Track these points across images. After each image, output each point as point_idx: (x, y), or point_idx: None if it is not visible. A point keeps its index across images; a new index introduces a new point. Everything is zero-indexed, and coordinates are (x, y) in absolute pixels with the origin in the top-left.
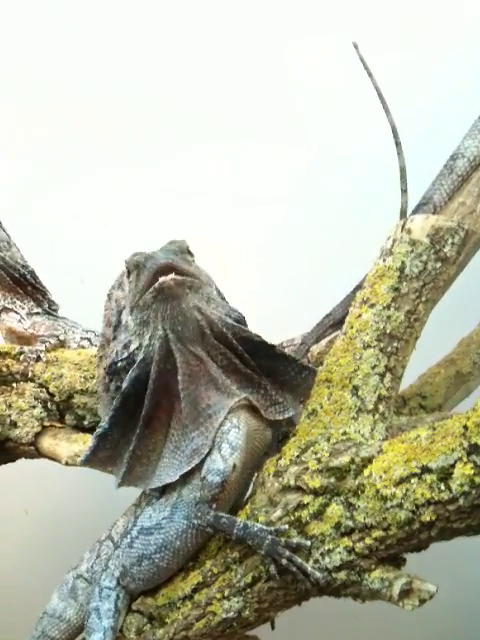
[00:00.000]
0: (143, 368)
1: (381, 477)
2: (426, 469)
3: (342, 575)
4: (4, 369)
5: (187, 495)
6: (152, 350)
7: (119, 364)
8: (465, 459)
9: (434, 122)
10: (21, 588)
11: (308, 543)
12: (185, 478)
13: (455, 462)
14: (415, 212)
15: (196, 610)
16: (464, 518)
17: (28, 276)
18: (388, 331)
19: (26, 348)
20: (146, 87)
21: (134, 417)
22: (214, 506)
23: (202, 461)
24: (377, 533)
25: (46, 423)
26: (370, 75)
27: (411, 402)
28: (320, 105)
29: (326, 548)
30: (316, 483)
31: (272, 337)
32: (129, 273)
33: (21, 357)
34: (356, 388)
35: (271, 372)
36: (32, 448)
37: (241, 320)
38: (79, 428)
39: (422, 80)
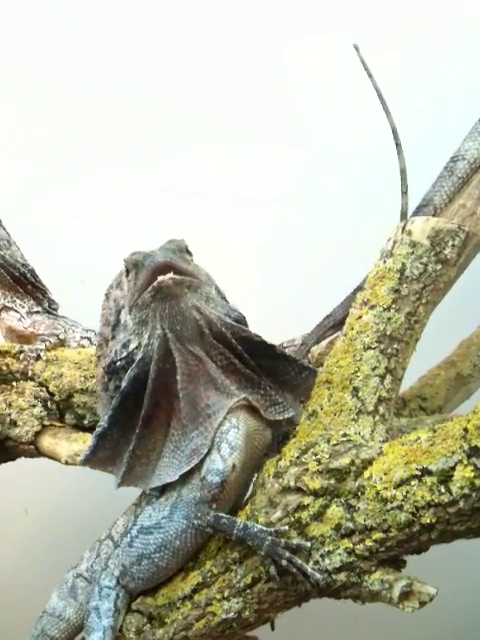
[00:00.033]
0: (142, 367)
1: (381, 479)
2: (426, 471)
3: (342, 577)
4: (4, 368)
5: (186, 495)
6: (151, 349)
7: (118, 363)
8: (465, 462)
9: (434, 123)
10: (21, 587)
11: (308, 544)
12: (185, 478)
13: (455, 464)
14: (415, 214)
15: (196, 610)
16: (464, 521)
17: (28, 275)
18: (388, 333)
19: (26, 347)
20: (146, 87)
21: (133, 417)
22: (214, 506)
23: (201, 461)
24: (377, 535)
25: (46, 422)
26: (371, 76)
27: (411, 404)
28: (320, 105)
29: (326, 549)
30: (316, 484)
31: (272, 337)
32: (128, 272)
33: (21, 356)
34: (356, 389)
35: (271, 372)
36: (32, 447)
37: (241, 320)
38: (79, 427)
39: (422, 80)
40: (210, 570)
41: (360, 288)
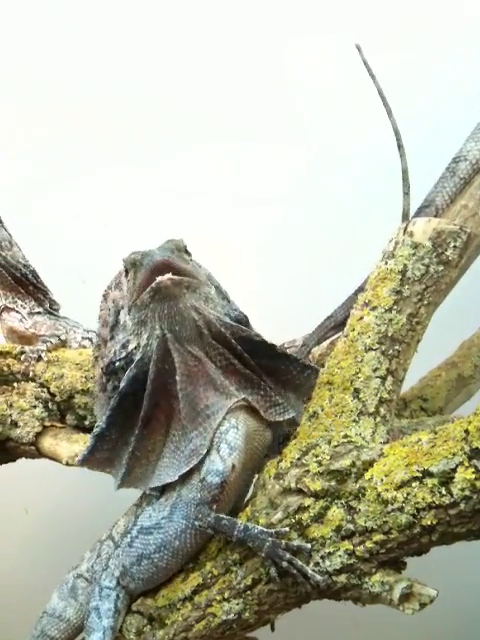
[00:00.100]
0: (141, 368)
1: (382, 480)
2: (427, 473)
3: (342, 578)
4: (5, 369)
5: (186, 495)
6: (150, 350)
7: (117, 364)
8: (466, 463)
9: (435, 123)
10: (21, 588)
11: (308, 546)
12: (184, 478)
13: (456, 466)
14: (417, 215)
15: (196, 611)
16: (465, 522)
17: (29, 275)
18: (390, 334)
19: (27, 348)
20: (146, 87)
21: (132, 418)
22: (214, 507)
23: (201, 462)
24: (378, 537)
25: (47, 423)
26: (373, 77)
27: (412, 405)
28: (320, 105)
29: (327, 551)
30: (317, 486)
31: (273, 338)
32: (127, 272)
33: (22, 357)
34: (357, 391)
35: (273, 372)
36: (33, 448)
37: (241, 319)
38: (80, 428)
39: (422, 80)
40: (210, 571)
41: (361, 289)
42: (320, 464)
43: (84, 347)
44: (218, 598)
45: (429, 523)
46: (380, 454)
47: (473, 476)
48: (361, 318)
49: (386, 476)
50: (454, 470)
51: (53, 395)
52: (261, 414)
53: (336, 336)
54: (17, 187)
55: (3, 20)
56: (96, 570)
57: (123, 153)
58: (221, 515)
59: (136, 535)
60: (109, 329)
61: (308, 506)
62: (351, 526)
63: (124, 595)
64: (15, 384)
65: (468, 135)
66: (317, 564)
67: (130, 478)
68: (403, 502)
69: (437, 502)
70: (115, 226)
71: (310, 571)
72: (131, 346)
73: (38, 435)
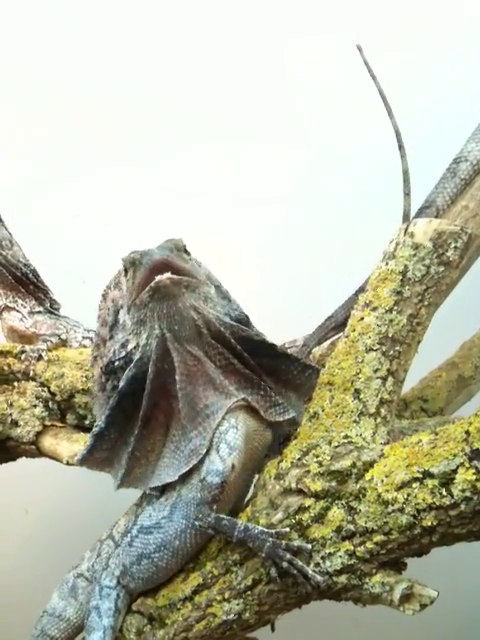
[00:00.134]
0: (140, 367)
1: (382, 481)
2: (428, 474)
3: (343, 579)
4: (5, 368)
5: (186, 495)
6: (149, 349)
7: (116, 363)
8: (467, 464)
9: (435, 123)
10: (21, 587)
11: (309, 546)
12: (184, 478)
13: (457, 467)
14: (418, 215)
15: (196, 612)
16: (465, 523)
17: (30, 275)
18: (390, 334)
19: (28, 347)
20: (146, 87)
21: (131, 418)
22: (215, 507)
23: (201, 461)
24: (378, 537)
25: (47, 422)
26: (373, 78)
27: (412, 405)
28: (320, 105)
29: (327, 552)
30: (317, 486)
31: (273, 338)
32: (126, 271)
33: (22, 356)
34: (358, 391)
35: (273, 371)
36: (33, 447)
37: (242, 319)
38: (80, 427)
39: (423, 81)
40: (211, 571)
41: (362, 290)
42: (321, 465)
43: (84, 346)
44: (218, 598)
45: (429, 524)
46: (381, 455)
47: (474, 477)
48: (362, 319)
49: (387, 477)
50: (455, 471)
51: (53, 394)
52: (261, 414)
53: (337, 336)
54: (17, 187)
55: (3, 20)
56: (96, 569)
57: (123, 153)
58: (221, 515)
59: (136, 534)
60: (108, 329)
61: (308, 506)
62: (351, 527)
63: (124, 594)
64: (15, 383)
65: (469, 136)
66: (317, 565)
67: (129, 478)
68: (404, 503)
69: (438, 503)
70: (115, 226)
71: (310, 571)
72: (130, 346)
73: (38, 434)
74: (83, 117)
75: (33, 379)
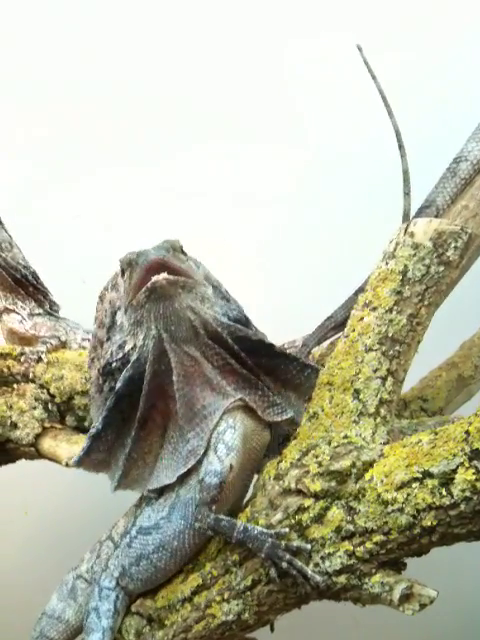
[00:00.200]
0: (137, 368)
1: (382, 481)
2: (427, 474)
3: (342, 579)
4: (5, 370)
5: (184, 496)
6: (146, 350)
7: (113, 364)
8: (467, 464)
9: (435, 123)
10: (21, 589)
11: (308, 547)
12: (182, 479)
13: (457, 467)
14: (418, 215)
15: (195, 612)
16: (465, 523)
17: (30, 277)
18: (390, 334)
19: (27, 349)
20: (146, 87)
21: (128, 419)
22: (214, 508)
23: (199, 462)
24: (378, 537)
25: (47, 424)
26: (374, 78)
27: (412, 405)
28: (320, 105)
29: (326, 552)
30: (317, 486)
31: (272, 338)
32: (123, 272)
33: (22, 358)
34: (358, 391)
35: (272, 371)
36: (32, 449)
37: (240, 319)
38: (79, 429)
39: (423, 81)
40: (210, 572)
41: (362, 289)
42: (320, 465)
43: (84, 348)
44: (218, 599)
45: (429, 524)
46: (380, 455)
47: (473, 477)
48: (361, 319)
49: (386, 477)
50: (454, 471)
51: (53, 396)
52: (259, 414)
53: (336, 336)
54: (17, 187)
55: (3, 20)
56: (96, 571)
57: (123, 153)
58: (221, 516)
59: (135, 535)
60: (105, 330)
61: (308, 507)
62: (351, 527)
63: (123, 596)
64: (15, 385)
65: (469, 135)
66: (317, 565)
67: (127, 480)
68: (403, 503)
69: (437, 503)
70: (115, 226)
71: (310, 572)
72: (128, 347)
73: (38, 436)
74: (83, 117)
75: (33, 381)
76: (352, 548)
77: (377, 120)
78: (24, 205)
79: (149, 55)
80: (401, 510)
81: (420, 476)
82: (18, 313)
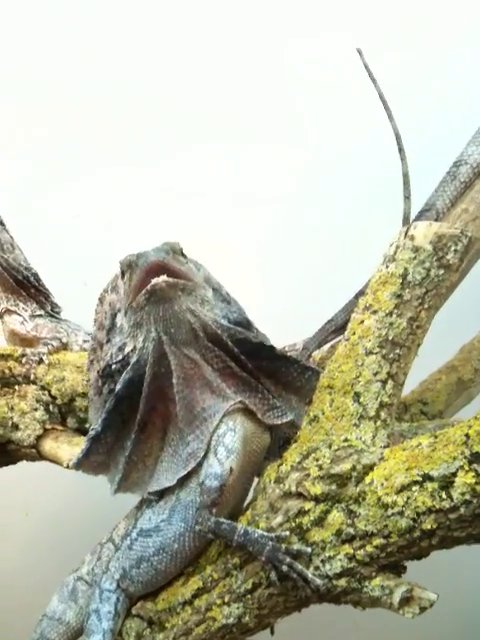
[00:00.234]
0: (137, 370)
1: (382, 484)
2: (427, 477)
3: (342, 582)
4: (6, 371)
5: (184, 498)
6: (146, 352)
7: (113, 366)
8: (467, 468)
9: (435, 125)
10: (21, 590)
11: (309, 550)
12: (182, 481)
13: (457, 470)
14: (418, 218)
15: (196, 615)
16: (465, 527)
17: (31, 278)
18: (390, 338)
19: (28, 350)
20: (146, 87)
21: (128, 422)
22: (214, 511)
23: (199, 464)
24: (378, 541)
25: (48, 426)
26: (374, 81)
27: (412, 408)
28: (320, 105)
29: (327, 555)
30: (317, 490)
31: (272, 341)
32: (123, 274)
33: (23, 359)
34: (358, 394)
35: (272, 374)
36: (33, 451)
37: (241, 322)
38: (81, 431)
39: (423, 83)
40: (210, 575)
41: (362, 293)
42: (320, 468)
43: (85, 350)
44: (218, 602)
45: (429, 527)
46: (380, 458)
47: (473, 480)
48: (362, 322)
49: (386, 480)
50: (454, 474)
51: (54, 398)
52: (259, 417)
53: (337, 340)
54: (17, 187)
55: (3, 20)
56: (96, 573)
57: (123, 153)
58: (221, 519)
59: (135, 538)
60: (105, 332)
61: (308, 510)
62: (351, 530)
63: (124, 598)
64: (16, 387)
65: (469, 139)
66: (317, 568)
67: (127, 483)
68: (403, 506)
69: (437, 506)
70: (115, 226)
71: (310, 575)
72: (128, 349)
73: (39, 438)
74: (83, 117)
75: (34, 382)
76: (352, 551)
77: (377, 120)
78: (24, 205)
79: (149, 55)
80: (401, 513)
81: (420, 479)
82: (20, 314)
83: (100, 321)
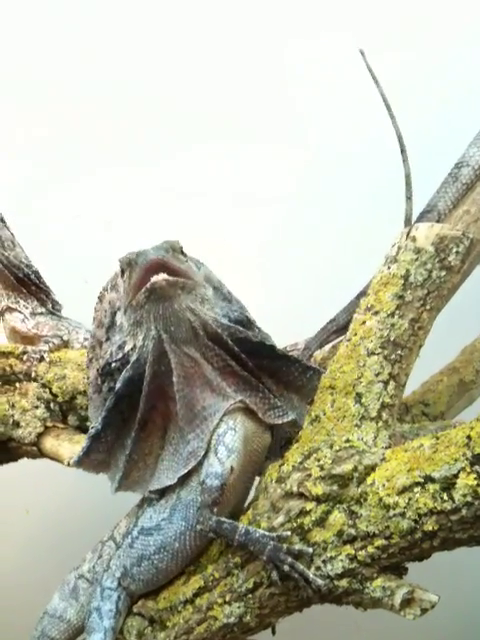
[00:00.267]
0: (137, 369)
1: (384, 485)
2: (429, 478)
3: (344, 583)
4: (7, 369)
5: (185, 497)
6: (146, 351)
7: (113, 365)
8: (468, 469)
9: (437, 127)
10: (22, 588)
11: (310, 550)
12: (183, 480)
13: (458, 472)
14: (419, 219)
15: (197, 614)
16: (466, 528)
17: (32, 276)
18: (392, 339)
19: (30, 348)
20: (146, 87)
21: (128, 421)
22: (215, 510)
23: (199, 463)
24: (379, 542)
25: (49, 423)
26: (376, 82)
27: (414, 409)
28: (320, 105)
29: (328, 555)
30: (319, 490)
31: (274, 341)
32: (122, 272)
33: (24, 357)
34: (359, 395)
35: (274, 373)
36: (34, 448)
37: (242, 320)
38: (81, 429)
39: (425, 84)
40: (212, 574)
41: (363, 293)
42: (322, 468)
43: (86, 348)
44: (219, 601)
45: (431, 529)
46: (382, 459)
47: (475, 482)
48: (364, 322)
49: (388, 481)
50: (456, 476)
51: (55, 396)
52: (259, 416)
53: (338, 340)
54: (17, 187)
55: (3, 20)
56: (98, 571)
57: (123, 153)
58: (222, 518)
59: (136, 536)
60: (105, 330)
61: (310, 510)
62: (353, 531)
63: (125, 596)
64: (17, 384)
65: (471, 140)
66: (318, 568)
67: (127, 481)
68: (405, 507)
69: (439, 508)
70: (115, 226)
71: (311, 575)
72: (127, 347)
73: (40, 435)
74: (83, 117)
75: (35, 380)
76: (354, 552)
77: (377, 120)
78: (24, 205)
79: (149, 55)
80: (403, 514)
81: (422, 480)
82: (20, 312)
83: (100, 319)
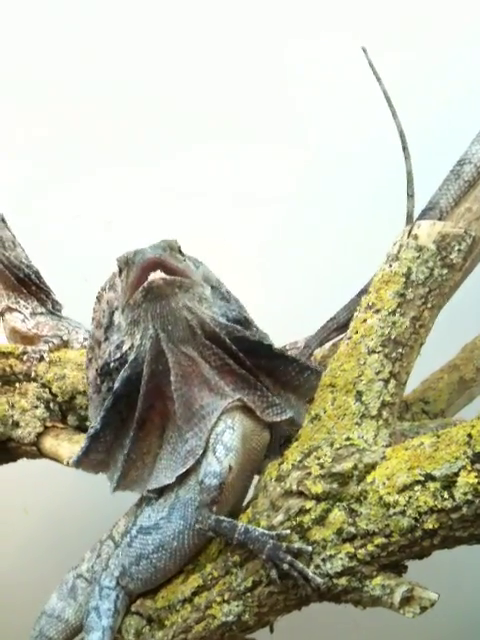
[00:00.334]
0: (135, 368)
1: (384, 484)
2: (429, 477)
3: (343, 581)
4: (7, 369)
5: (183, 496)
6: (143, 350)
7: (111, 365)
8: (469, 467)
9: (438, 124)
10: (21, 588)
11: (309, 548)
12: (181, 479)
13: (459, 470)
14: (421, 217)
15: (196, 613)
16: (467, 527)
17: (32, 276)
18: (393, 337)
19: (29, 348)
20: (146, 87)
21: (126, 420)
22: (214, 509)
23: (197, 462)
24: (379, 540)
25: (48, 423)
26: (379, 80)
27: (414, 407)
28: (320, 105)
29: (328, 554)
30: (318, 488)
31: (273, 340)
32: (120, 272)
33: (24, 357)
34: (360, 393)
35: (271, 372)
36: (34, 448)
37: (240, 320)
38: (81, 429)
39: (425, 81)
40: (210, 573)
41: (364, 291)
42: (322, 466)
43: (86, 348)
44: (218, 600)
45: (431, 527)
46: (382, 457)
47: (476, 480)
48: (364, 320)
49: (388, 479)
50: (457, 474)
51: (55, 396)
52: (257, 415)
53: (339, 338)
54: (17, 187)
55: (3, 20)
56: (96, 570)
57: (123, 153)
58: (222, 517)
59: (135, 535)
60: (103, 330)
61: (309, 509)
62: (352, 529)
63: (124, 595)
64: (17, 384)
65: (473, 138)
66: (318, 567)
67: (126, 481)
68: (405, 505)
69: (439, 506)
70: (115, 226)
71: (311, 573)
72: (125, 347)
73: (39, 435)
74: (83, 117)
75: (35, 380)
76: (353, 550)
77: (378, 120)
78: (24, 205)
79: (149, 55)
80: (403, 513)
81: (422, 479)
82: (21, 312)
83: (98, 319)
